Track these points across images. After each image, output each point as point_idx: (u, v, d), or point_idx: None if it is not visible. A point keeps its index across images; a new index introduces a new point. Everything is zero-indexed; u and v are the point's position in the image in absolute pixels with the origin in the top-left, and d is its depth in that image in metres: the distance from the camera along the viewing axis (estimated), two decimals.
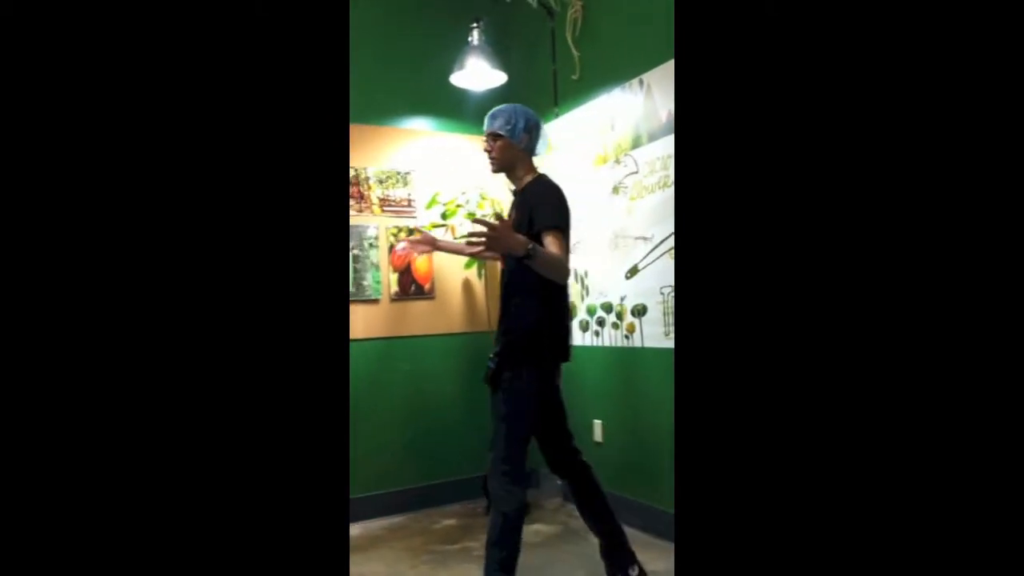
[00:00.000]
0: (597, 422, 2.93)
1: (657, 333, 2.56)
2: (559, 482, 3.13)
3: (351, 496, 2.99)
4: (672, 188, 2.48)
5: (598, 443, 2.93)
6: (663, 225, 2.52)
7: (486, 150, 2.04)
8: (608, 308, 2.83)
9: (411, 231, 2.14)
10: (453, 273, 3.30)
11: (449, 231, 3.16)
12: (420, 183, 3.24)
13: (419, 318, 3.22)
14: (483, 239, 1.68)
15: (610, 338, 2.83)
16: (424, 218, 3.21)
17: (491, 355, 1.98)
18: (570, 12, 2.99)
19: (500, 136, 2.00)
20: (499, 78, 3.11)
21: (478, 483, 3.00)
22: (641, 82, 2.64)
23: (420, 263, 3.21)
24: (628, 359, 2.74)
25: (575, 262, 3.04)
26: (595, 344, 2.92)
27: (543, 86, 3.23)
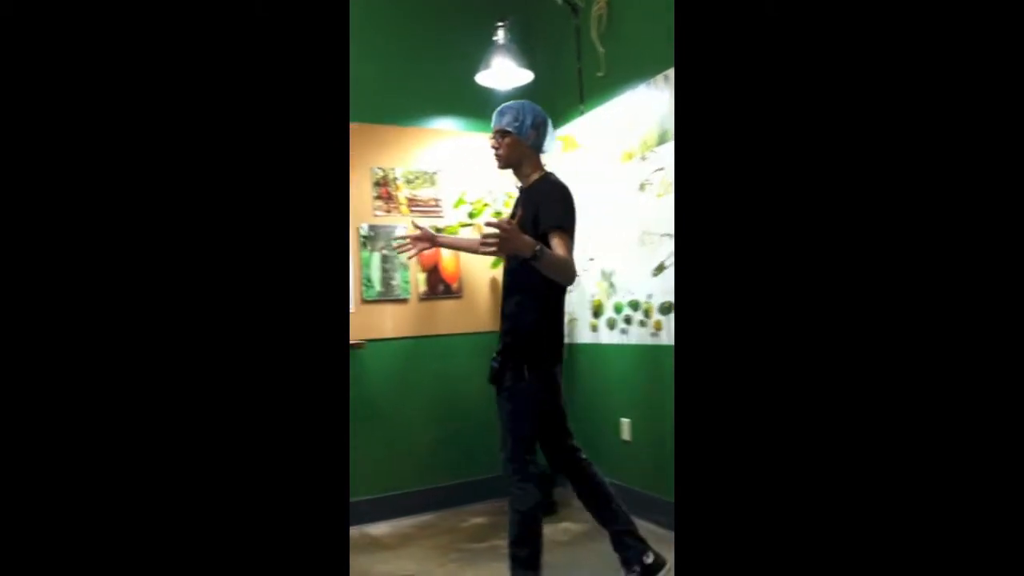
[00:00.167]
0: (625, 420, 2.91)
1: None
2: None
3: (380, 494, 3.03)
4: None
5: (626, 441, 2.91)
6: None
7: (493, 147, 2.05)
8: (635, 306, 2.82)
9: (412, 228, 2.17)
10: (480, 272, 3.31)
11: (476, 230, 3.17)
12: (447, 183, 3.26)
13: (447, 317, 3.24)
14: (494, 240, 1.70)
15: (637, 336, 2.81)
16: (452, 217, 3.23)
17: (494, 355, 1.99)
18: (595, 9, 2.98)
19: (508, 133, 2.00)
20: (525, 76, 3.12)
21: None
22: (666, 78, 2.62)
23: (447, 262, 3.23)
24: (655, 357, 2.72)
25: (601, 260, 3.03)
26: (622, 342, 2.90)
27: (569, 84, 3.23)
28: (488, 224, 1.75)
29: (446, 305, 3.24)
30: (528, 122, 2.00)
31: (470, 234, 3.16)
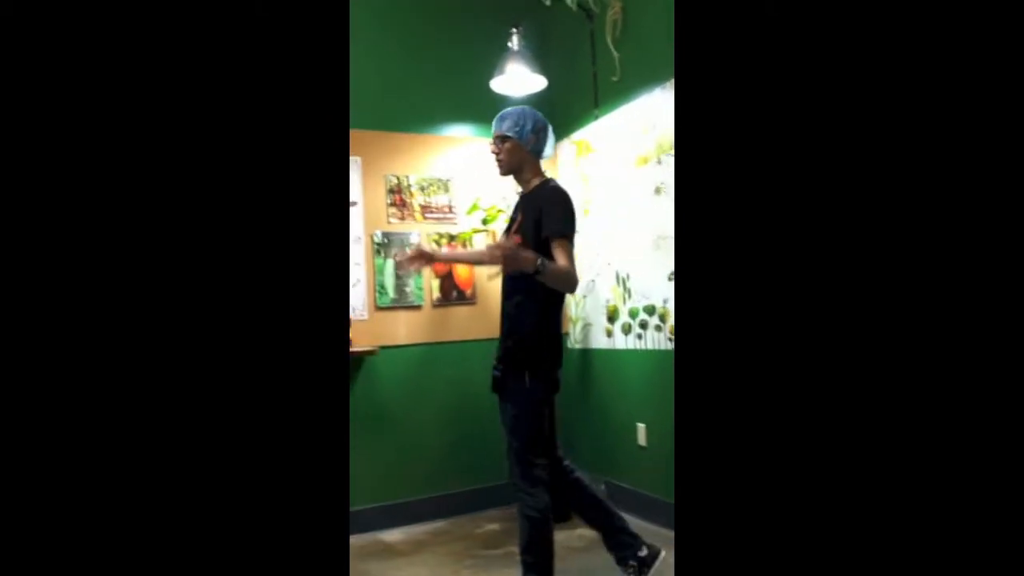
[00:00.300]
0: (641, 426, 2.88)
1: None
2: (602, 485, 3.09)
3: (394, 501, 3.01)
4: None
5: (642, 447, 2.88)
6: None
7: (494, 152, 2.05)
8: (651, 311, 2.79)
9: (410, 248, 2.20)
10: (494, 279, 3.30)
11: (490, 236, 3.17)
12: (461, 189, 3.26)
13: (461, 323, 3.23)
14: (498, 260, 1.73)
15: (653, 341, 2.78)
16: (465, 224, 3.23)
17: (495, 363, 1.99)
18: (609, 14, 2.98)
19: (508, 138, 2.01)
20: (539, 82, 3.11)
21: None
22: None
23: (461, 269, 3.23)
24: (671, 362, 2.69)
25: (617, 265, 3.01)
26: (638, 347, 2.88)
27: (583, 88, 3.22)
28: (489, 247, 1.79)
29: (460, 311, 3.23)
30: (528, 127, 2.00)
31: (484, 239, 3.16)
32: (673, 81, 2.64)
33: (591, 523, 2.12)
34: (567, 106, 3.39)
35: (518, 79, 3.06)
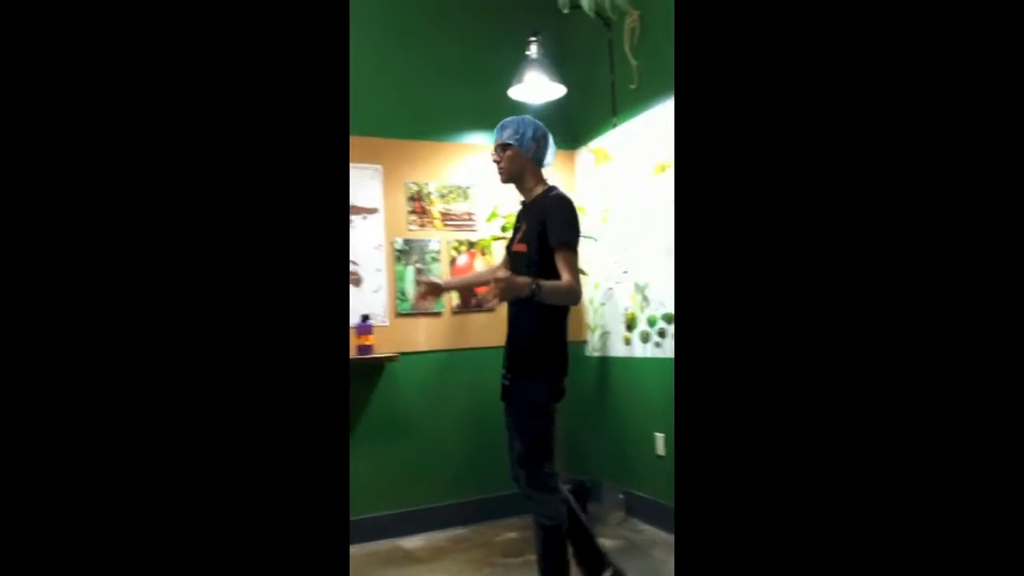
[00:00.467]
0: (659, 435, 2.88)
1: None
2: (620, 496, 3.09)
3: (413, 507, 3.03)
4: None
5: (660, 456, 2.87)
6: None
7: (495, 160, 2.07)
8: (669, 319, 2.79)
9: (418, 282, 2.20)
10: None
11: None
12: (480, 197, 3.28)
13: (480, 330, 3.24)
14: (495, 294, 1.77)
15: (672, 349, 2.78)
16: (485, 231, 3.24)
17: (504, 372, 2.01)
18: (627, 22, 2.99)
19: (509, 146, 2.03)
20: (557, 90, 3.13)
21: None
22: None
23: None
24: None
25: (635, 273, 3.01)
26: (656, 356, 2.88)
27: (601, 97, 3.23)
28: (479, 286, 1.81)
29: (479, 319, 3.25)
30: (529, 135, 2.02)
31: (501, 247, 3.17)
32: None
33: (569, 535, 2.12)
34: (585, 114, 3.40)
35: (537, 87, 3.08)
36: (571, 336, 3.32)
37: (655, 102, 2.87)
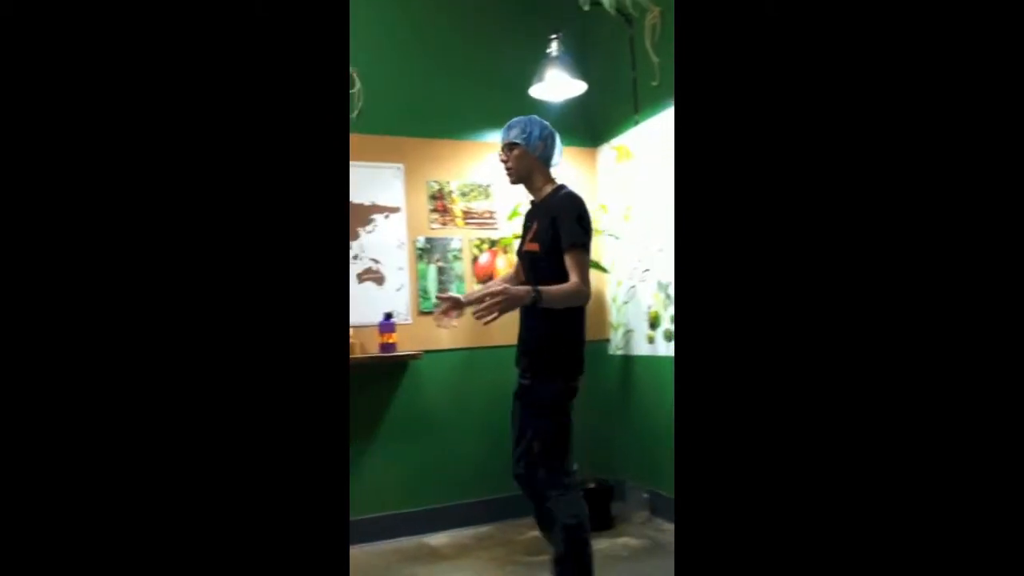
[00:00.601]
0: None
1: None
2: (644, 495, 3.08)
3: (438, 504, 3.04)
4: None
5: None
6: None
7: (502, 160, 2.08)
8: None
9: (438, 299, 2.19)
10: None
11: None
12: (501, 195, 3.28)
13: (502, 328, 3.19)
14: (494, 309, 1.78)
15: None
16: (506, 229, 3.24)
17: (522, 372, 2.01)
18: (648, 18, 2.97)
19: (516, 145, 2.03)
20: (578, 88, 3.12)
21: None
22: None
23: (503, 274, 3.24)
24: None
25: (657, 271, 2.99)
26: None
27: (623, 94, 3.22)
28: (472, 301, 1.84)
29: (501, 317, 3.24)
30: (535, 134, 2.03)
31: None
32: None
33: (550, 541, 2.10)
34: (607, 111, 3.39)
35: (558, 85, 3.07)
36: (594, 335, 3.36)
37: None
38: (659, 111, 2.98)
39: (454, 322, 2.32)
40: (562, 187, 2.06)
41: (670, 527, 2.88)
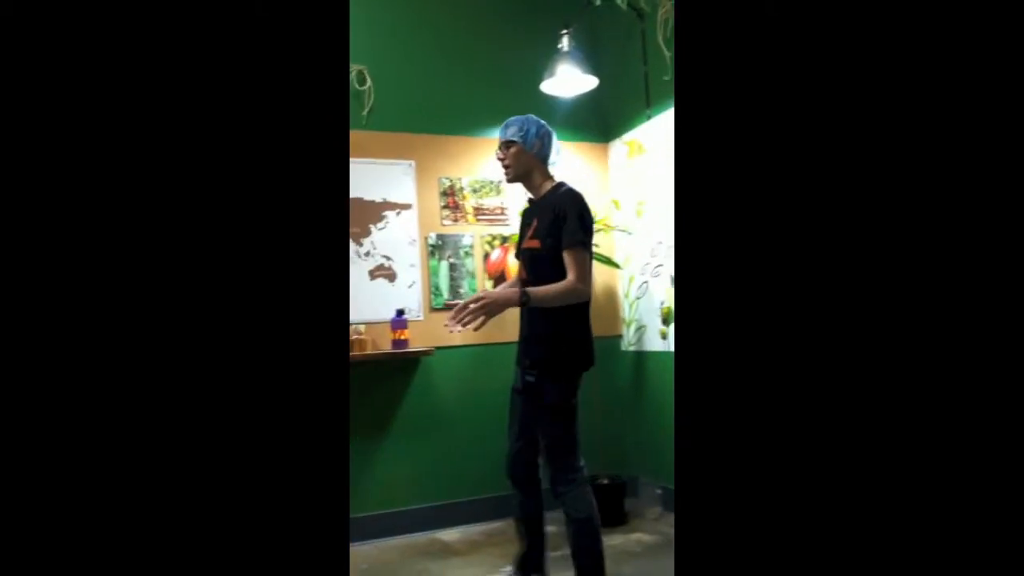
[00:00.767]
0: None
1: None
2: (657, 491, 3.07)
3: (450, 500, 3.05)
4: None
5: None
6: None
7: (500, 158, 2.09)
8: None
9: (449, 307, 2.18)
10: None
11: None
12: (513, 191, 3.27)
13: (513, 325, 3.21)
14: (479, 314, 1.81)
15: None
16: (517, 225, 3.23)
17: (528, 368, 2.00)
18: (660, 12, 2.95)
19: (513, 143, 2.05)
20: (590, 83, 3.11)
21: None
22: None
23: (514, 271, 3.24)
24: None
25: (670, 266, 2.98)
26: None
27: (635, 88, 3.20)
28: (458, 307, 1.84)
29: (512, 313, 3.23)
30: (533, 131, 2.04)
31: None
32: None
33: (527, 539, 2.17)
34: (618, 106, 3.37)
35: (569, 80, 3.06)
36: (606, 331, 3.35)
37: None
38: (671, 106, 2.96)
39: (473, 325, 2.32)
40: (561, 184, 2.07)
41: None
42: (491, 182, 3.25)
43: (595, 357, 2.04)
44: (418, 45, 3.17)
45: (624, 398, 3.34)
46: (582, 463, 1.98)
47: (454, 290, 3.13)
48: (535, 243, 1.99)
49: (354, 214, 2.99)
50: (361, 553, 2.75)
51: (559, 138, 3.35)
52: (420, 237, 3.10)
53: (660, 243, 3.05)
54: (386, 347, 2.92)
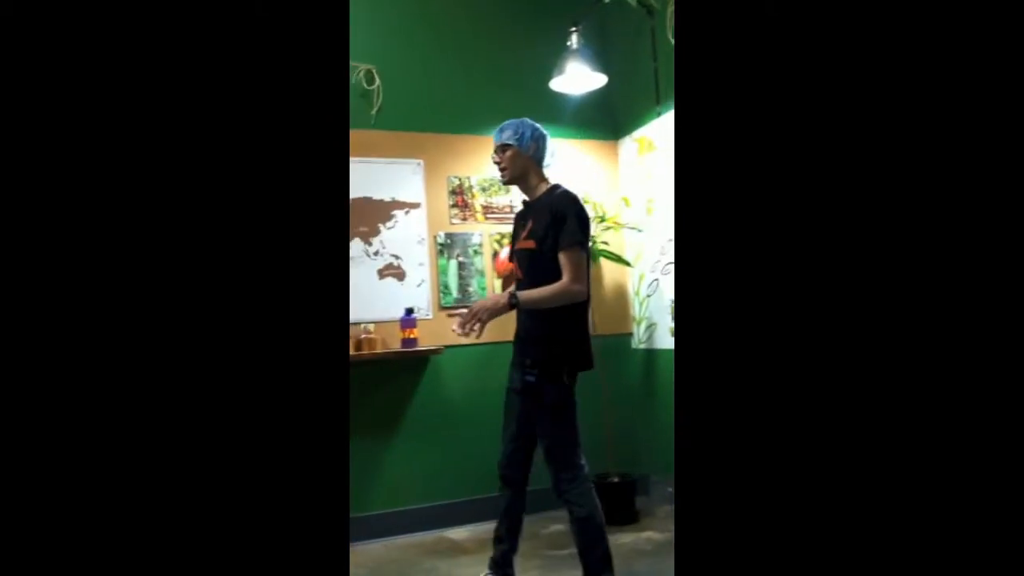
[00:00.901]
0: None
1: None
2: (669, 489, 3.05)
3: (460, 499, 3.05)
4: None
5: None
6: None
7: (496, 162, 2.11)
8: None
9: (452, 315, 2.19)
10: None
11: None
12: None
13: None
14: (473, 323, 1.84)
15: None
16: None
17: (527, 367, 2.00)
18: (670, 9, 2.93)
19: (509, 146, 2.07)
20: (599, 80, 3.09)
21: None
22: None
23: None
24: None
25: None
26: None
27: (645, 85, 3.18)
28: (453, 315, 1.84)
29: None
30: (528, 134, 2.07)
31: None
32: None
33: (507, 540, 2.21)
34: (628, 103, 3.36)
35: (578, 78, 3.05)
36: (616, 329, 3.34)
37: None
38: None
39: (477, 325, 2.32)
40: (557, 186, 2.09)
41: None
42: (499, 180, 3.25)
43: (593, 357, 2.04)
44: (426, 44, 3.17)
45: (634, 396, 3.33)
46: (583, 461, 1.99)
47: (463, 289, 3.13)
48: (531, 243, 2.01)
49: (363, 213, 2.99)
50: (370, 551, 2.75)
51: (569, 136, 3.37)
52: (429, 236, 3.10)
53: (670, 240, 3.03)
54: (395, 346, 2.92)
